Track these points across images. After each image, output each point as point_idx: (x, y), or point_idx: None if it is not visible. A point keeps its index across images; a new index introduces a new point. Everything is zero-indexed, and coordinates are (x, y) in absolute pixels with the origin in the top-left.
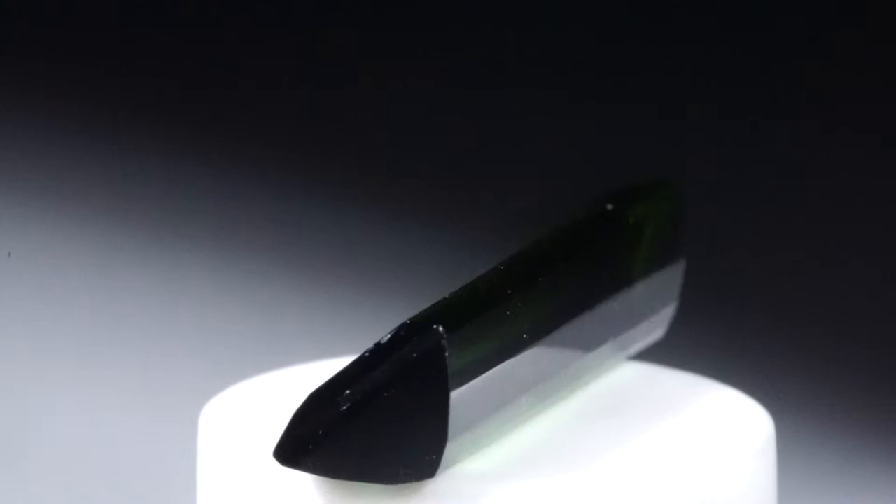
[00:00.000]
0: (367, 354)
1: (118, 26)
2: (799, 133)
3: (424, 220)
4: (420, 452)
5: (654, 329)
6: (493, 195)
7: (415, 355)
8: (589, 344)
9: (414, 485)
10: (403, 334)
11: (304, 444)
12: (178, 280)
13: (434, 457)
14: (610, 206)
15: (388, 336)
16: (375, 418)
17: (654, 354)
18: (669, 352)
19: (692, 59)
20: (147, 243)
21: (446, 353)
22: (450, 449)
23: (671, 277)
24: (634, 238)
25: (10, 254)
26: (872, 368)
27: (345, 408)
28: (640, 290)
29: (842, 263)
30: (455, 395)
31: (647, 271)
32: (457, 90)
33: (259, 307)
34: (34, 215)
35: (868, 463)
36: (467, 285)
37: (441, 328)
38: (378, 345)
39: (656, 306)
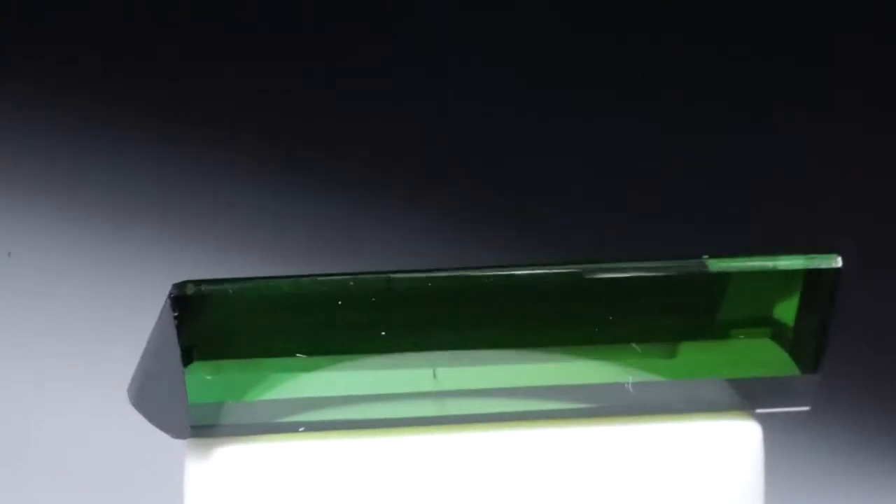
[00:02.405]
0: None
1: (118, 27)
2: (796, 132)
3: (432, 220)
4: (175, 410)
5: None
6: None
7: (161, 313)
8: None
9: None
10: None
11: (132, 384)
12: (178, 279)
13: (181, 417)
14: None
15: None
16: (151, 373)
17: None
18: None
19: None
20: (147, 243)
21: (174, 314)
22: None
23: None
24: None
25: (10, 254)
26: (860, 375)
27: (145, 357)
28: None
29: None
30: (210, 363)
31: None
32: (463, 90)
33: None
34: (34, 215)
35: (856, 467)
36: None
37: (187, 287)
38: None
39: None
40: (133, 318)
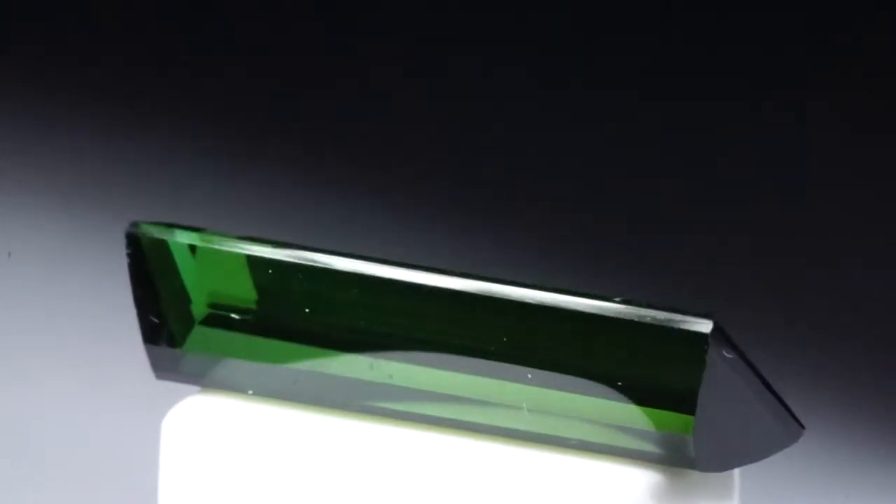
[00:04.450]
0: None
1: (118, 26)
2: (795, 132)
3: (433, 221)
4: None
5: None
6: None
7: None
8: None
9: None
10: None
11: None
12: None
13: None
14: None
15: None
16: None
17: None
18: None
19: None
20: None
21: (127, 251)
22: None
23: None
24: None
25: (10, 254)
26: (860, 376)
27: None
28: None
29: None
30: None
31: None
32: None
33: None
34: (34, 215)
35: (834, 474)
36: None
37: (140, 226)
38: None
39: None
40: (133, 318)
